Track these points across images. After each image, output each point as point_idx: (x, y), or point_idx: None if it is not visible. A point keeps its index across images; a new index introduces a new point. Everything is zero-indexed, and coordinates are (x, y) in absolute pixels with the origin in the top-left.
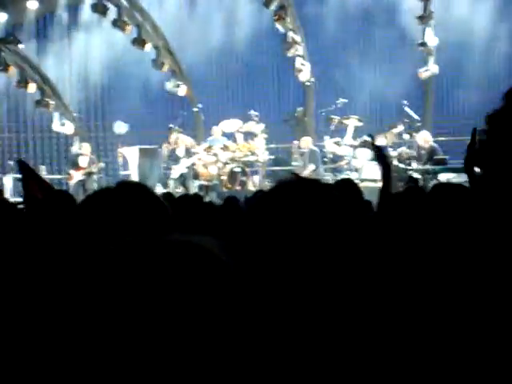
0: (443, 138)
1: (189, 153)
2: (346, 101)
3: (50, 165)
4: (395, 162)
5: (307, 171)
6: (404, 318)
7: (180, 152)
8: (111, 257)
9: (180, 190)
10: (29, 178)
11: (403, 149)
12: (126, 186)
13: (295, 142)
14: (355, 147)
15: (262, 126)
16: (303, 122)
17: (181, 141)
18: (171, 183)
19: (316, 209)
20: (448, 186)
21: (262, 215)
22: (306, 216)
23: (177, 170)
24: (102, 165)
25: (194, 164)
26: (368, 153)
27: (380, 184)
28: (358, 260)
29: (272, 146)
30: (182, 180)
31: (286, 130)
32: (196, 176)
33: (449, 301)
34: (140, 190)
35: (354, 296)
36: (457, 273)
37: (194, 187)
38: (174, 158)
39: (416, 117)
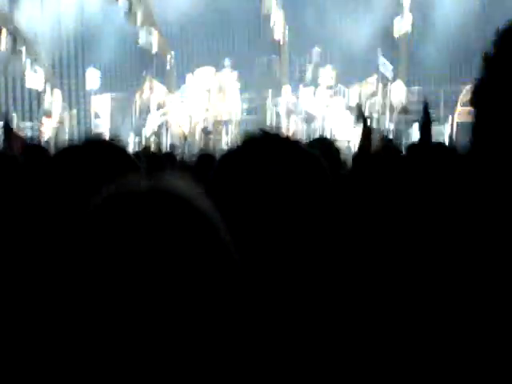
0: (417, 88)
1: (160, 106)
2: (319, 50)
3: (22, 112)
4: (368, 113)
5: None
6: (381, 293)
7: (152, 104)
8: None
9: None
10: (11, 133)
11: (377, 98)
12: (94, 145)
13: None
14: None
15: (235, 74)
16: None
17: (156, 89)
18: (144, 132)
19: (285, 168)
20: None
21: (229, 178)
22: (274, 176)
23: (148, 128)
24: (74, 112)
25: (166, 122)
26: (342, 102)
27: (352, 143)
28: (332, 223)
29: (246, 96)
30: (155, 137)
31: (259, 79)
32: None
33: (428, 271)
34: (110, 149)
35: (329, 264)
36: (437, 239)
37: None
38: (147, 110)
39: (390, 66)
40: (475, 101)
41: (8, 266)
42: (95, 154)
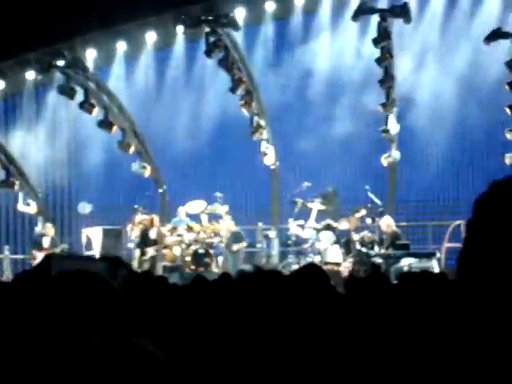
0: (405, 223)
1: (160, 234)
2: (309, 184)
3: (14, 245)
4: (358, 247)
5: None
6: None
7: (153, 234)
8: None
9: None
10: None
11: (366, 233)
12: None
13: (259, 224)
14: (318, 230)
15: (226, 207)
16: (333, 201)
17: (154, 222)
18: (135, 264)
19: (277, 302)
20: (414, 275)
21: (229, 308)
22: (267, 309)
23: (149, 253)
24: (65, 246)
25: (164, 247)
26: (331, 236)
27: (342, 268)
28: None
29: (236, 229)
30: (152, 262)
31: (251, 212)
32: (160, 257)
33: None
34: (95, 279)
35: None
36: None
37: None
38: (146, 240)
39: (378, 202)
40: (459, 265)
41: None
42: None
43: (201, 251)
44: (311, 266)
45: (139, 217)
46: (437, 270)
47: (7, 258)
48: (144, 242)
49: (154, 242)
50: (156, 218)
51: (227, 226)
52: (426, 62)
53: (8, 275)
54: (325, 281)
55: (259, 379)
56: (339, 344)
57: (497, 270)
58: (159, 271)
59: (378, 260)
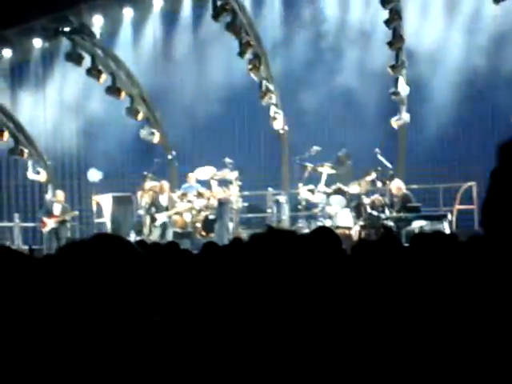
0: (416, 186)
1: (171, 200)
2: (319, 148)
3: (24, 212)
4: (368, 210)
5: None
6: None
7: (163, 200)
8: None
9: (155, 238)
10: None
11: (376, 196)
12: (101, 238)
13: (269, 188)
14: (329, 194)
15: (235, 173)
16: (346, 165)
17: (164, 188)
18: (146, 231)
19: (291, 262)
20: (427, 235)
21: (241, 269)
22: (281, 269)
23: (160, 219)
24: (76, 213)
25: (175, 213)
26: (341, 200)
27: (353, 231)
28: (333, 311)
29: (246, 193)
30: (163, 228)
31: (260, 177)
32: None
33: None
34: (117, 243)
35: (332, 345)
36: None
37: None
38: (157, 206)
39: (389, 165)
40: (483, 214)
41: None
42: (103, 247)
43: (211, 217)
44: (323, 228)
45: (149, 183)
46: (448, 231)
47: (18, 226)
48: (155, 208)
49: (166, 209)
50: (166, 184)
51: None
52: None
53: (19, 243)
54: (337, 244)
55: (272, 339)
56: (350, 305)
57: None
58: (170, 237)
59: (389, 223)
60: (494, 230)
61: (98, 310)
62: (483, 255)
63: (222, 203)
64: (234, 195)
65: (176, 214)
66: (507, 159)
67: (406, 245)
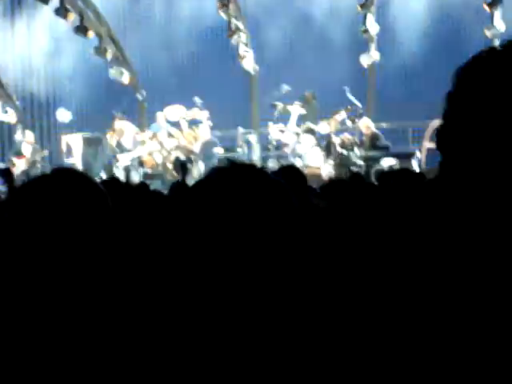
0: (385, 124)
1: (135, 142)
2: (289, 88)
3: None
4: (338, 149)
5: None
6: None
7: (126, 142)
8: None
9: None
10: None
11: (346, 135)
12: (62, 173)
13: (239, 128)
14: (299, 134)
15: (206, 112)
16: (312, 104)
17: (126, 129)
18: (116, 172)
19: (254, 196)
20: (394, 173)
21: (198, 204)
22: (243, 204)
23: (122, 161)
24: (46, 153)
25: (139, 156)
26: (311, 139)
27: (323, 170)
28: (302, 252)
29: (217, 133)
30: (127, 171)
31: (229, 116)
32: (141, 164)
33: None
34: (77, 177)
35: (301, 290)
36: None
37: (138, 175)
38: (120, 148)
39: (358, 103)
40: (439, 140)
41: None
42: (64, 182)
43: (182, 158)
44: (288, 167)
45: (118, 123)
46: (417, 170)
47: None
48: (118, 150)
49: (128, 151)
50: (128, 126)
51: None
52: None
53: None
54: (302, 181)
55: (237, 287)
56: (318, 244)
57: (481, 143)
58: (136, 179)
59: (359, 162)
60: (451, 155)
61: (51, 248)
62: (446, 192)
63: (208, 145)
64: (205, 135)
65: (142, 155)
66: (463, 82)
67: (375, 183)
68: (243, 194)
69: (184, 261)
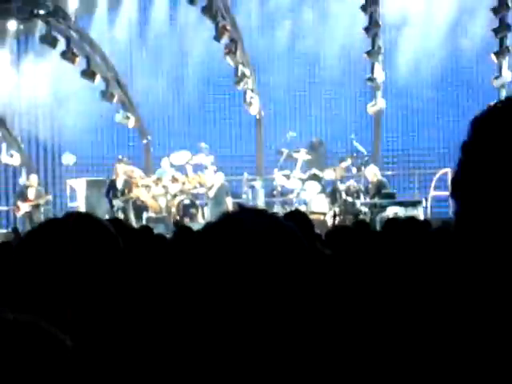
0: (391, 173)
1: (128, 184)
2: (294, 134)
3: None
4: (343, 196)
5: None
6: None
7: (119, 183)
8: None
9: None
10: None
11: (351, 182)
12: (74, 216)
13: (245, 173)
14: (304, 180)
15: (211, 157)
16: (319, 151)
17: (121, 172)
18: (119, 215)
19: (264, 240)
20: (399, 221)
21: (209, 249)
22: (253, 248)
23: (116, 204)
24: (50, 197)
25: (131, 197)
26: (316, 185)
27: (328, 217)
28: (309, 295)
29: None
30: (123, 212)
31: (235, 162)
32: (145, 208)
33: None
34: (89, 221)
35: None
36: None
37: (143, 219)
38: (113, 191)
39: (364, 151)
40: (454, 190)
41: None
42: (76, 226)
43: (186, 202)
44: (296, 212)
45: (122, 167)
46: (422, 218)
47: None
48: (113, 192)
49: (121, 193)
50: (120, 168)
51: (214, 177)
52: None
53: None
54: (309, 227)
55: (247, 328)
56: (322, 289)
57: (497, 193)
58: (132, 221)
59: (364, 209)
60: (466, 204)
61: (69, 289)
62: (454, 242)
63: (221, 187)
64: (210, 180)
65: (132, 197)
66: (479, 132)
67: (380, 231)
68: (257, 239)
69: (195, 304)
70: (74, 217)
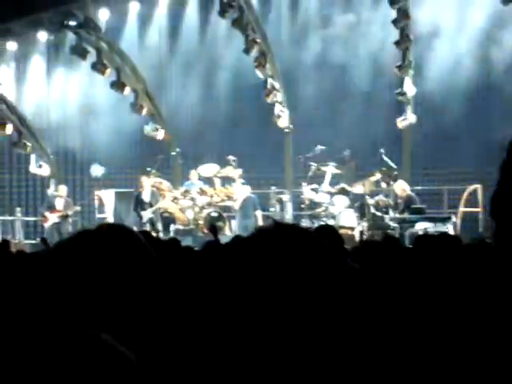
0: (420, 187)
1: (155, 195)
2: (323, 148)
3: (25, 207)
4: (372, 211)
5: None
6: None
7: (145, 196)
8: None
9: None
10: None
11: (380, 197)
12: (107, 228)
13: (273, 187)
14: (332, 194)
15: (239, 171)
16: (350, 165)
17: (147, 184)
18: (147, 227)
19: (297, 255)
20: (431, 238)
21: (244, 263)
22: (287, 262)
23: (145, 216)
24: (78, 208)
25: (159, 209)
26: (345, 200)
27: (356, 232)
28: (339, 308)
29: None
30: (152, 224)
31: (264, 175)
32: (173, 220)
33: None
34: (123, 232)
35: (337, 344)
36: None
37: (170, 231)
38: (140, 203)
39: (393, 165)
40: (493, 208)
41: None
42: (110, 237)
43: (214, 214)
44: (325, 227)
45: (148, 179)
46: (452, 234)
47: (19, 220)
48: (139, 205)
49: (149, 205)
50: (145, 181)
51: (242, 190)
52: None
53: (20, 237)
54: (339, 243)
55: (274, 339)
56: (352, 306)
57: None
58: (160, 230)
59: (393, 224)
60: (504, 223)
61: (102, 300)
62: (486, 258)
63: (247, 199)
64: (237, 193)
65: (162, 208)
66: None
67: (410, 246)
68: (291, 253)
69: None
70: (107, 228)
